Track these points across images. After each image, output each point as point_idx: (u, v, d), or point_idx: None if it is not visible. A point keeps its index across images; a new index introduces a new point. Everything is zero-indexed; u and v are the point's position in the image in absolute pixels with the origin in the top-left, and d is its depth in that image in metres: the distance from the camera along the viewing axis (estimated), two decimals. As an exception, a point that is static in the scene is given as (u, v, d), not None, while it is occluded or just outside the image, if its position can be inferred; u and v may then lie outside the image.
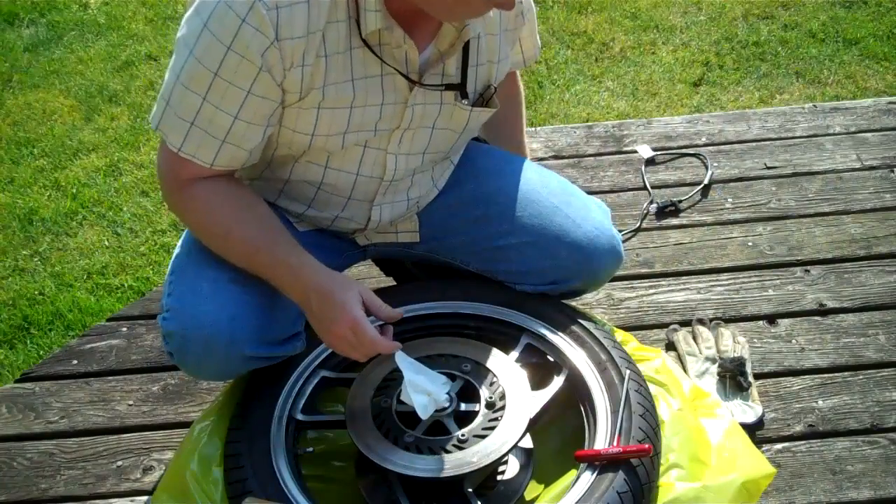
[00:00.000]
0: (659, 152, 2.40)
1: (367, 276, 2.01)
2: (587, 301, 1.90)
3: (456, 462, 1.33)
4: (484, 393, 1.43)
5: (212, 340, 1.37)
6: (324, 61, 1.29)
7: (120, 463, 1.66)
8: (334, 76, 1.31)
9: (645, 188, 2.26)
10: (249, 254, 1.38)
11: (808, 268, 2.00)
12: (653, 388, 1.50)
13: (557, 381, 1.49)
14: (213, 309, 1.37)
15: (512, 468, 1.47)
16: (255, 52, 1.24)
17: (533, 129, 2.54)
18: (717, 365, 1.72)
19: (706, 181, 2.26)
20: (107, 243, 2.57)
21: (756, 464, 1.42)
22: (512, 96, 1.73)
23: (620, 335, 1.65)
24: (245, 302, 1.39)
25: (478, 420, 1.39)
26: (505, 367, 1.47)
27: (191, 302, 1.38)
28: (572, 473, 1.39)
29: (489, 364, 1.47)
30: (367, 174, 1.47)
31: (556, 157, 2.41)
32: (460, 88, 1.42)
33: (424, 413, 1.37)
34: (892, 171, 2.29)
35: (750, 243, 2.09)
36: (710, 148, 2.42)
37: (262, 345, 1.43)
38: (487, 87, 1.49)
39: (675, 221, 2.17)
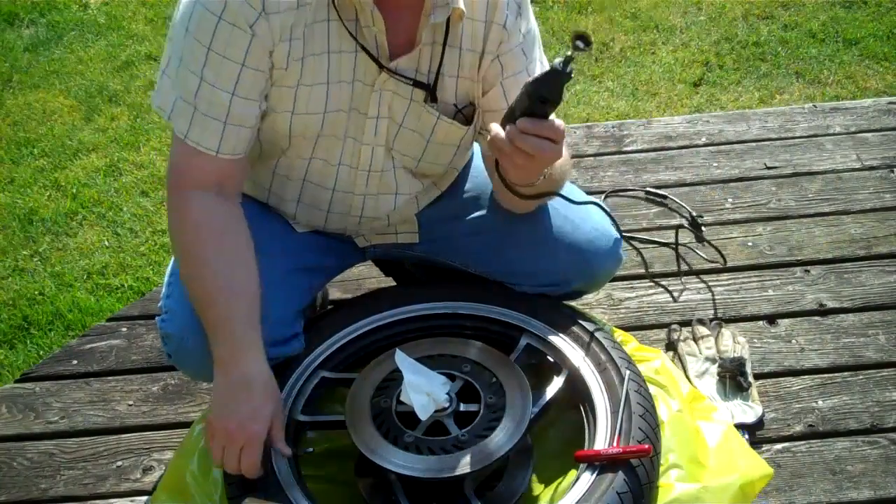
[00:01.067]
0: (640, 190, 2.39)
1: (368, 276, 2.01)
2: (587, 301, 1.90)
3: (456, 462, 1.33)
4: (483, 393, 1.43)
5: (210, 343, 1.37)
6: (307, 31, 1.30)
7: (120, 463, 1.66)
8: (312, 47, 1.32)
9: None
10: (209, 294, 1.33)
11: (808, 268, 2.00)
12: (652, 389, 1.49)
13: (557, 382, 1.49)
14: (212, 311, 1.37)
15: (512, 468, 1.47)
16: (244, 22, 1.26)
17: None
18: (717, 365, 1.72)
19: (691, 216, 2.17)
20: (107, 243, 2.57)
21: (754, 465, 1.42)
22: None
23: (620, 335, 1.65)
24: (243, 304, 1.39)
25: (477, 420, 1.39)
26: (505, 367, 1.47)
27: (190, 304, 1.38)
28: (572, 474, 1.39)
29: (489, 364, 1.47)
30: (347, 163, 1.47)
31: (556, 157, 2.41)
32: (428, 89, 1.41)
33: (424, 413, 1.37)
34: (892, 171, 2.29)
35: (750, 243, 2.09)
36: (710, 148, 2.42)
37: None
38: (468, 105, 1.47)
39: (675, 222, 2.17)
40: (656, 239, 2.11)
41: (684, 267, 2.03)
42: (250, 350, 1.32)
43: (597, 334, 1.53)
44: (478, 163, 1.66)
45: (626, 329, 1.79)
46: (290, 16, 1.28)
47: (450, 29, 1.37)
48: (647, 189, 2.26)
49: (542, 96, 1.20)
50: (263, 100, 1.35)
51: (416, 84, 1.40)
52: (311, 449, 1.50)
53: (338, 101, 1.38)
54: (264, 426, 1.30)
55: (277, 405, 1.33)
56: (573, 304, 1.68)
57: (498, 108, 1.44)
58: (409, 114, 1.44)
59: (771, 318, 1.88)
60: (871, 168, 2.31)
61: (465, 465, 1.32)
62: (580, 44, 1.13)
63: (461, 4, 1.34)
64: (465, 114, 1.47)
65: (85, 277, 2.45)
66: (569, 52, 1.15)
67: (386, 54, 1.36)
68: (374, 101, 1.40)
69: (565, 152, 1.34)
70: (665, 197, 2.23)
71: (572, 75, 1.19)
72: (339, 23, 1.32)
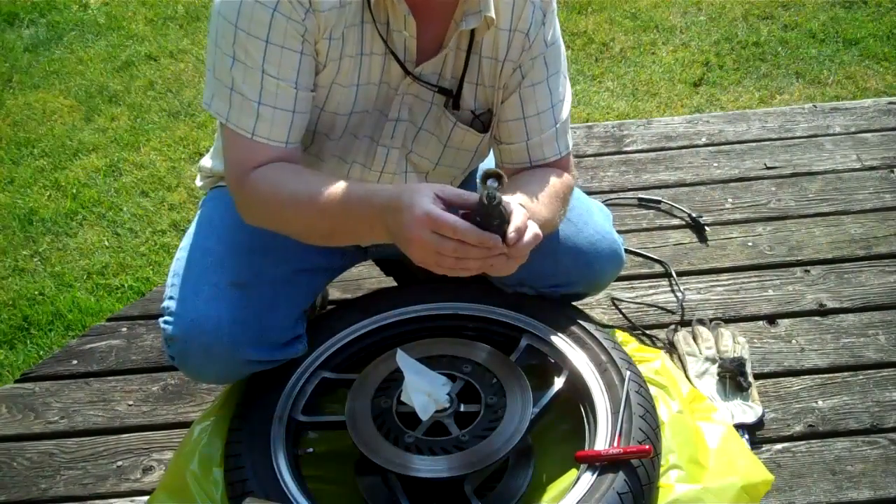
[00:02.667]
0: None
1: (368, 276, 2.01)
2: (587, 301, 1.90)
3: (456, 463, 1.33)
4: (484, 394, 1.43)
5: (213, 344, 1.37)
6: (345, 32, 1.31)
7: (120, 463, 1.66)
8: (347, 48, 1.33)
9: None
10: (322, 205, 1.25)
11: (808, 268, 2.00)
12: (653, 390, 1.49)
13: (558, 382, 1.49)
14: (215, 313, 1.37)
15: (512, 469, 1.47)
16: (297, 14, 1.25)
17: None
18: (717, 365, 1.72)
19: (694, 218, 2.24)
20: (107, 243, 2.57)
21: (754, 469, 1.42)
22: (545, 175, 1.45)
23: (621, 336, 1.65)
24: (247, 306, 1.39)
25: (478, 421, 1.39)
26: (505, 368, 1.47)
27: (192, 306, 1.38)
28: (572, 474, 1.39)
29: (489, 365, 1.47)
30: (360, 162, 1.47)
31: (556, 158, 2.41)
32: (451, 95, 1.41)
33: (424, 414, 1.38)
34: (892, 171, 2.29)
35: (750, 243, 2.09)
36: (710, 148, 2.42)
37: (264, 348, 1.43)
38: (486, 112, 1.47)
39: (675, 221, 2.17)
40: (656, 240, 2.11)
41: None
42: (377, 191, 1.23)
43: (597, 335, 1.53)
44: (484, 166, 1.66)
45: (626, 329, 1.79)
46: (332, 15, 1.28)
47: (475, 36, 1.37)
48: (640, 197, 2.26)
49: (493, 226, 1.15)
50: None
51: (440, 90, 1.40)
52: (311, 449, 1.51)
53: (364, 102, 1.39)
54: (428, 203, 1.14)
55: (425, 186, 1.17)
56: (573, 304, 1.68)
57: (513, 117, 1.43)
58: (428, 117, 1.44)
59: (771, 318, 1.88)
60: (871, 168, 2.31)
61: (465, 465, 1.33)
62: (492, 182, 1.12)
63: (492, 13, 1.33)
64: (483, 120, 1.47)
65: (85, 277, 2.45)
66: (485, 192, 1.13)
67: (413, 59, 1.36)
68: (395, 104, 1.40)
69: (556, 207, 1.39)
70: (659, 202, 2.22)
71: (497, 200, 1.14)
72: (371, 25, 1.32)
